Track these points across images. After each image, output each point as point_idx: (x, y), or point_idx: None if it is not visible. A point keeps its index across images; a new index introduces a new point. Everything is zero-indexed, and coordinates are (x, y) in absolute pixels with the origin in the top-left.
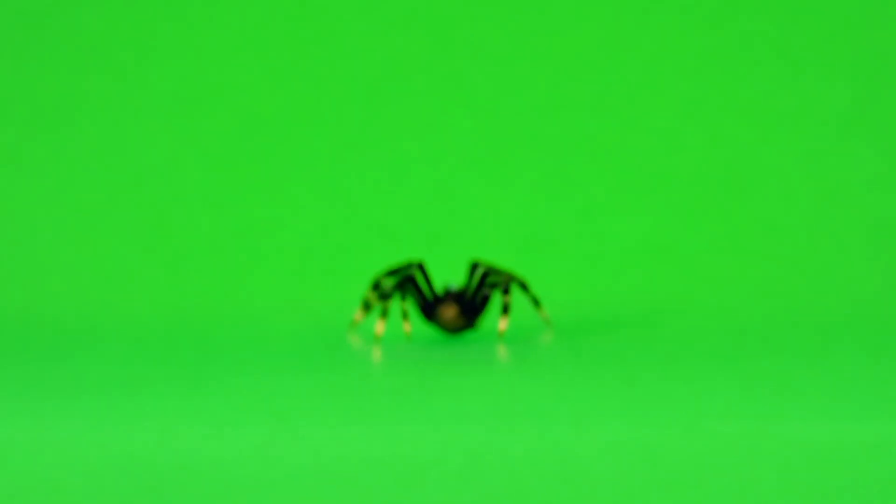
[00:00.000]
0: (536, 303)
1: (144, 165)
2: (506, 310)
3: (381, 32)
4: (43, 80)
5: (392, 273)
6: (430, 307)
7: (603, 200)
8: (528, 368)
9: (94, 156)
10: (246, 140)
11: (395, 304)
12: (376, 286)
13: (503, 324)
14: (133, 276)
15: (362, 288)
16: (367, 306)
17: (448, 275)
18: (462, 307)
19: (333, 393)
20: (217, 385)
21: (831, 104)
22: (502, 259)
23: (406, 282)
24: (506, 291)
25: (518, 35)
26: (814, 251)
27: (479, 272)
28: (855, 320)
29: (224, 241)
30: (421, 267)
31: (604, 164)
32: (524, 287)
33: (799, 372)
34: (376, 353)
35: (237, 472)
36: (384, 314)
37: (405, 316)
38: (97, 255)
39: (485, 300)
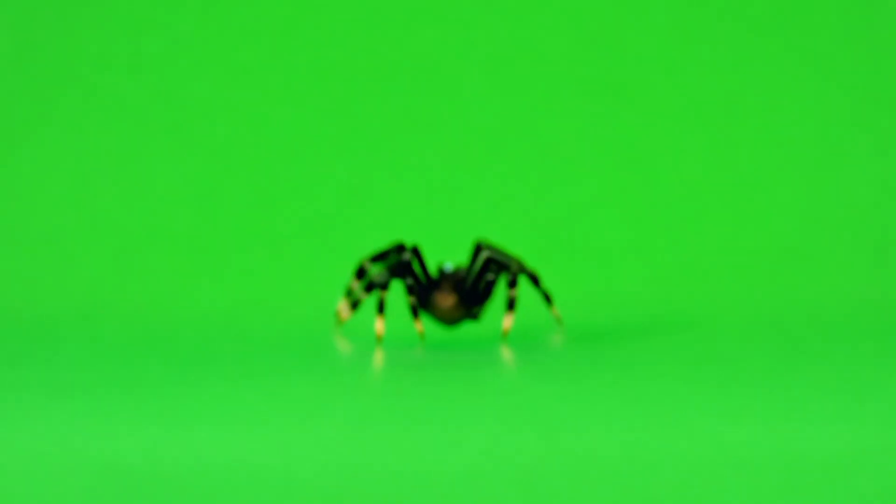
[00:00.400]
0: (548, 299)
1: (129, 164)
2: (511, 306)
3: (380, 27)
4: (42, 82)
5: (378, 258)
6: (423, 293)
7: (617, 199)
8: (535, 372)
9: (72, 155)
10: (241, 138)
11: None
12: (361, 273)
13: (508, 322)
14: (127, 275)
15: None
16: (354, 303)
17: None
18: (461, 296)
19: (328, 399)
20: (211, 389)
21: (842, 108)
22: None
23: (399, 268)
24: (512, 285)
25: (525, 31)
26: (839, 255)
27: (483, 256)
28: (879, 327)
29: (216, 240)
30: (416, 251)
31: (616, 165)
32: (535, 280)
33: (821, 377)
34: (378, 358)
35: (227, 481)
36: (381, 310)
37: (415, 313)
38: (76, 256)
39: (489, 287)
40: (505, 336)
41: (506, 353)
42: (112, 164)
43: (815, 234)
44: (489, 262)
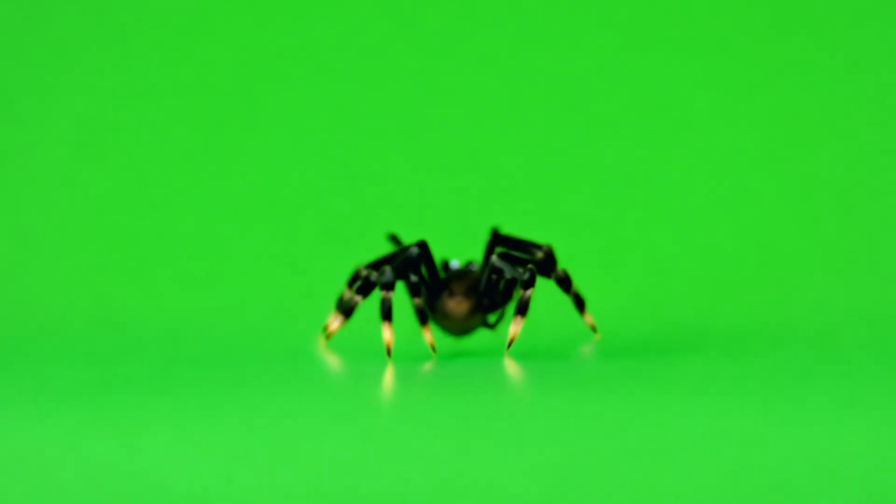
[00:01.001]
0: (580, 304)
1: (116, 165)
2: (523, 310)
3: (376, 26)
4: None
5: (378, 264)
6: (430, 295)
7: (656, 205)
8: (546, 387)
9: (58, 157)
10: (238, 140)
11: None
12: (355, 281)
13: (515, 328)
14: (125, 281)
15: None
16: (347, 310)
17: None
18: (476, 300)
19: (324, 412)
20: (211, 400)
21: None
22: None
23: (403, 265)
24: (528, 284)
25: (548, 29)
26: (857, 269)
27: (500, 250)
28: None
29: (209, 244)
30: (423, 246)
31: (653, 170)
32: (565, 282)
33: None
34: (388, 377)
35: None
36: (388, 315)
37: (422, 319)
38: (81, 260)
39: (510, 287)
40: (509, 346)
41: (510, 366)
42: (101, 167)
43: (855, 248)
44: (508, 258)
